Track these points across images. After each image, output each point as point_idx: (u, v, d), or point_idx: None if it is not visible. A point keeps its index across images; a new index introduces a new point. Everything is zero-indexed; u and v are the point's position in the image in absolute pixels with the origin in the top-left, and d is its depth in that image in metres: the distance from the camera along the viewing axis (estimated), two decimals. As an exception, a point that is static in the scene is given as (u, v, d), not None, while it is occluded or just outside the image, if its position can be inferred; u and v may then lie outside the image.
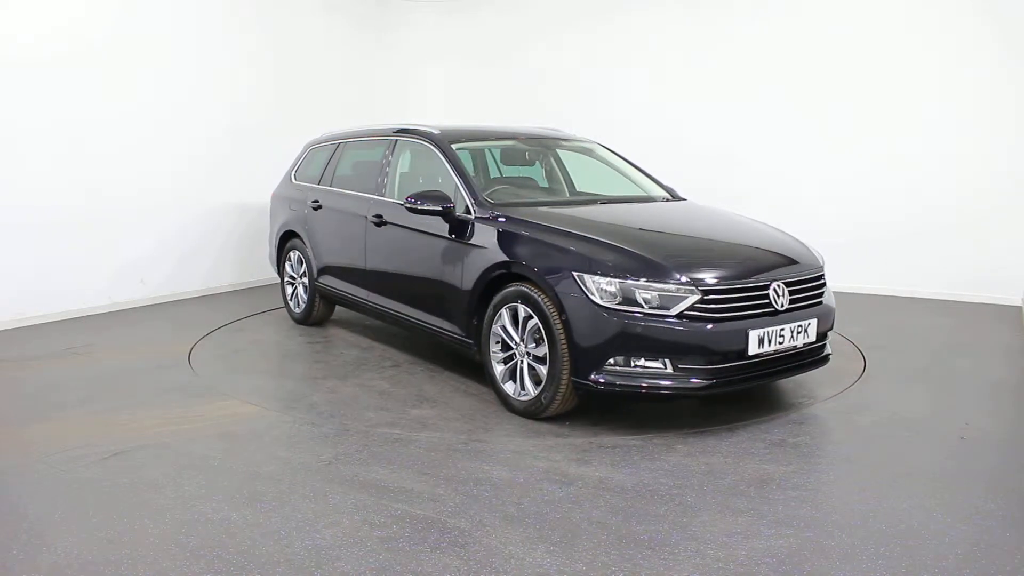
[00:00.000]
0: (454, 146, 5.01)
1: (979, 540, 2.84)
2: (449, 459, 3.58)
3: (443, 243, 4.63)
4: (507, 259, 4.18)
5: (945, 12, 7.08)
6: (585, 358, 3.81)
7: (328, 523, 2.96)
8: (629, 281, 3.75)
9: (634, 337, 3.71)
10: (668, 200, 5.26)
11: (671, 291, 3.73)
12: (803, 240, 4.66)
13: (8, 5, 5.94)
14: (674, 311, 3.70)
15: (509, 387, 4.20)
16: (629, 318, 3.71)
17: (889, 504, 3.12)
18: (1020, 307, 6.62)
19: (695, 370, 3.73)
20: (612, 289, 3.75)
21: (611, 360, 3.76)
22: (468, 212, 4.54)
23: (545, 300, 3.93)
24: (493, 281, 4.27)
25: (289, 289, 6.50)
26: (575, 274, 3.83)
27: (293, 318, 6.48)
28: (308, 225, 6.12)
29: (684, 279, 3.75)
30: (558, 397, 3.94)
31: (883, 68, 7.37)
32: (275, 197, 6.66)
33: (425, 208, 4.61)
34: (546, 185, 5.61)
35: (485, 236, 4.35)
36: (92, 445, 3.73)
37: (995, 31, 6.90)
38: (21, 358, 5.28)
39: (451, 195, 4.66)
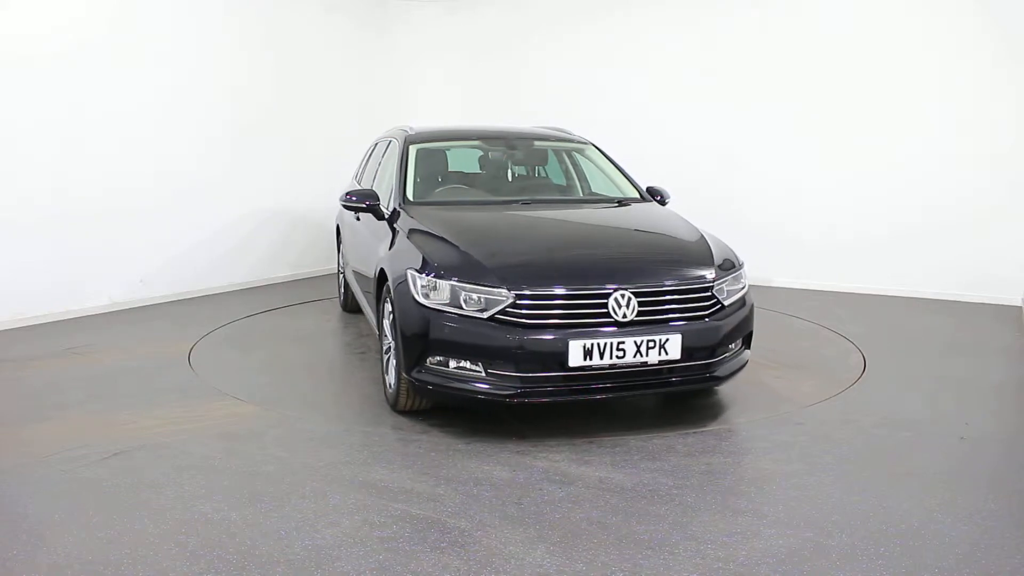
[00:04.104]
0: (415, 146, 5.17)
1: (979, 540, 2.83)
2: (449, 459, 3.58)
3: (374, 239, 4.80)
4: (381, 255, 4.34)
5: (945, 12, 7.07)
6: (409, 355, 3.84)
7: (328, 523, 2.96)
8: (445, 280, 3.75)
9: (444, 337, 3.70)
10: (627, 202, 5.01)
11: (487, 293, 3.67)
12: (727, 249, 4.32)
13: (8, 5, 5.94)
14: (487, 314, 3.65)
15: (388, 379, 4.30)
16: (440, 317, 3.71)
17: (889, 504, 3.12)
18: (1020, 307, 6.61)
19: (507, 376, 3.65)
20: (431, 287, 3.77)
21: (431, 359, 3.77)
22: (393, 211, 4.69)
23: (392, 296, 4.02)
24: (380, 276, 4.39)
25: (339, 278, 6.98)
26: (408, 272, 3.89)
27: (340, 305, 6.96)
28: (341, 221, 6.60)
29: (499, 282, 3.67)
30: (401, 392, 4.02)
31: (883, 68, 7.37)
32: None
33: (353, 205, 4.85)
34: (516, 184, 5.57)
35: (393, 234, 4.47)
36: (92, 445, 3.73)
37: (995, 31, 6.89)
38: (21, 358, 5.27)
39: (389, 193, 4.87)
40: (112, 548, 2.78)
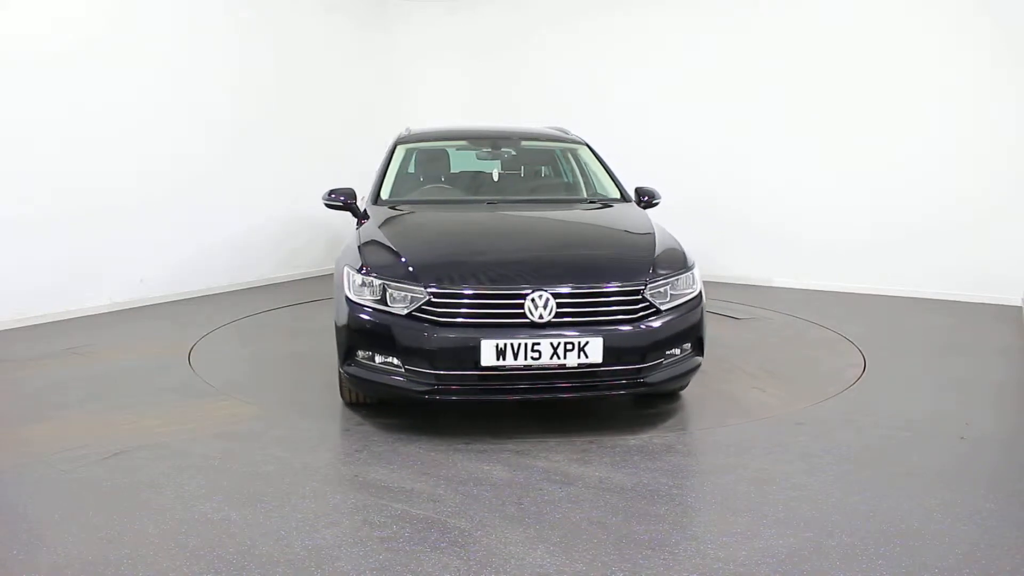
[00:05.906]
0: (403, 146, 5.26)
1: (979, 540, 2.84)
2: (449, 459, 3.58)
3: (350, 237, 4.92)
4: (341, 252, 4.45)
5: (945, 13, 7.07)
6: (341, 349, 3.95)
7: (328, 523, 2.96)
8: (374, 278, 3.81)
9: (366, 332, 3.78)
10: (600, 203, 4.96)
11: (408, 290, 3.72)
12: (678, 252, 4.12)
13: (8, 5, 5.94)
14: (404, 311, 3.70)
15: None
16: (364, 313, 3.79)
17: (889, 504, 3.12)
18: (1020, 307, 6.61)
19: (422, 373, 3.67)
20: (361, 283, 3.84)
21: (361, 353, 3.84)
22: (364, 210, 4.77)
23: (335, 291, 4.11)
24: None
25: None
26: (345, 268, 3.99)
27: None
28: None
29: (417, 279, 3.72)
30: (343, 385, 4.19)
31: (883, 69, 7.37)
32: None
33: (331, 203, 4.89)
34: (499, 184, 5.46)
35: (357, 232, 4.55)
36: (92, 445, 3.73)
37: (995, 32, 6.90)
38: (21, 358, 5.27)
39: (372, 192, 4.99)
40: (112, 548, 2.78)
